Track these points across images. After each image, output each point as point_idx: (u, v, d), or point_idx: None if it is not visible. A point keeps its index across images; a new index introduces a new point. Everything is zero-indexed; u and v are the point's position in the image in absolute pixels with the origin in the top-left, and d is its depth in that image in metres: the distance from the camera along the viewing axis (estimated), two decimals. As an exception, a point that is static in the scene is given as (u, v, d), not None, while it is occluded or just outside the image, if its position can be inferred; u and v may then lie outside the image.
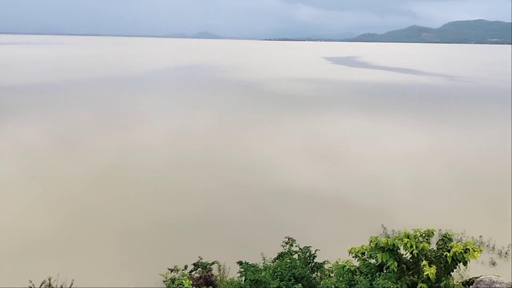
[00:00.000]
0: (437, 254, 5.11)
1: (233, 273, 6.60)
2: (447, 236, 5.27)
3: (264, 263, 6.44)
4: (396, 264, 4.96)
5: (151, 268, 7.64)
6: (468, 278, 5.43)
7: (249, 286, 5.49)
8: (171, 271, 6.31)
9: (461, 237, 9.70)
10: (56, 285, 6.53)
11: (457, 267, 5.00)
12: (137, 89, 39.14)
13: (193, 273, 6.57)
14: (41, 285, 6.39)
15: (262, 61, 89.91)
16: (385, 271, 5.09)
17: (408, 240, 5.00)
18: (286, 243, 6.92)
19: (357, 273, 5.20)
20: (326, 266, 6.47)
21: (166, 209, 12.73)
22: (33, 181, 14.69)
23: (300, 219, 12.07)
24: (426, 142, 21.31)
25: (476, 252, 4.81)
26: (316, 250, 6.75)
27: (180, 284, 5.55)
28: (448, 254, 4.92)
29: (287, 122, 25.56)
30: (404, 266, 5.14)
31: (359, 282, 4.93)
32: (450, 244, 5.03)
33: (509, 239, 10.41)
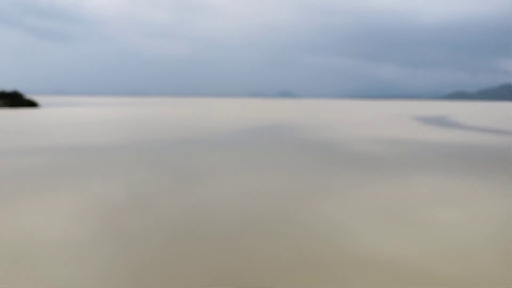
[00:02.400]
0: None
1: None
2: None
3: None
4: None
5: None
6: None
7: None
8: None
9: None
10: None
11: None
12: (214, 149, 38.72)
13: None
14: None
15: (343, 120, 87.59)
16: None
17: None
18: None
19: None
20: None
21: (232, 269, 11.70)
22: (110, 238, 14.40)
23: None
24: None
25: None
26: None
27: None
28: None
29: (367, 185, 23.02)
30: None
31: None
32: None
33: None
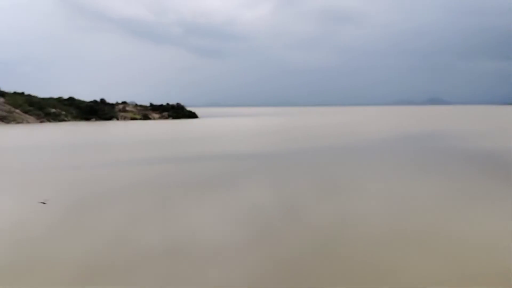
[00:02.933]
0: None
1: None
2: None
3: None
4: None
5: None
6: None
7: None
8: None
9: None
10: None
11: None
12: (362, 158, 37.77)
13: None
14: None
15: (505, 128, 77.69)
16: None
17: None
18: None
19: None
20: None
21: None
22: (258, 242, 15.01)
23: None
24: None
25: None
26: None
27: None
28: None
29: None
30: None
31: None
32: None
33: None
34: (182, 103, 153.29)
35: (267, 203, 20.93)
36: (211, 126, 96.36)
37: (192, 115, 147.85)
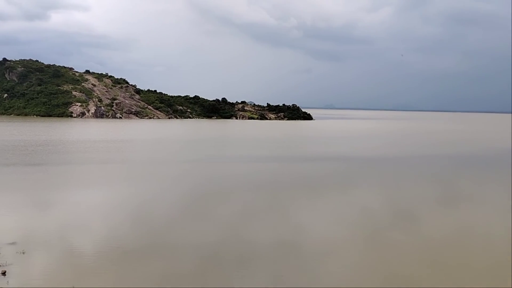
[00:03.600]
0: None
1: None
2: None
3: None
4: None
5: None
6: None
7: None
8: None
9: None
10: None
11: None
12: (479, 167, 34.74)
13: None
14: None
15: None
16: None
17: None
18: None
19: None
20: None
21: None
22: (367, 244, 15.07)
23: None
24: None
25: None
26: None
27: None
28: None
29: None
30: None
31: None
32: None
33: None
34: (298, 104, 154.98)
35: (379, 206, 20.60)
36: (325, 128, 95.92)
37: (307, 117, 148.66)
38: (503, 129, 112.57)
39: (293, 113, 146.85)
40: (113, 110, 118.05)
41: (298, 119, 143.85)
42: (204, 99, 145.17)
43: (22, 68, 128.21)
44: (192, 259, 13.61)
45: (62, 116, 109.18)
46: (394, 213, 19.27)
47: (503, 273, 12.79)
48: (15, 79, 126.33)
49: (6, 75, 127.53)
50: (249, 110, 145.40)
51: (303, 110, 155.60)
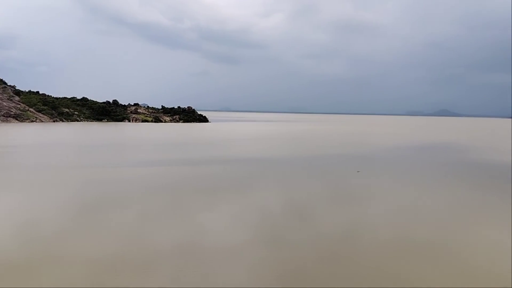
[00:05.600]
0: None
1: None
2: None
3: None
4: None
5: None
6: None
7: None
8: None
9: None
10: None
11: None
12: (370, 166, 37.64)
13: None
14: None
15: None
16: None
17: None
18: None
19: None
20: None
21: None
22: (264, 246, 15.16)
23: None
24: None
25: None
26: None
27: None
28: None
29: None
30: None
31: None
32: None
33: None
34: (194, 107, 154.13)
35: (277, 207, 21.04)
36: (221, 130, 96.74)
37: (203, 119, 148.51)
38: (385, 130, 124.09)
39: (188, 115, 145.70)
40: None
41: (194, 122, 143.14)
42: (93, 101, 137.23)
43: None
44: (85, 271, 12.76)
45: None
46: (291, 212, 19.98)
47: (388, 263, 13.85)
48: None
49: None
50: (142, 113, 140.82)
51: (199, 112, 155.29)
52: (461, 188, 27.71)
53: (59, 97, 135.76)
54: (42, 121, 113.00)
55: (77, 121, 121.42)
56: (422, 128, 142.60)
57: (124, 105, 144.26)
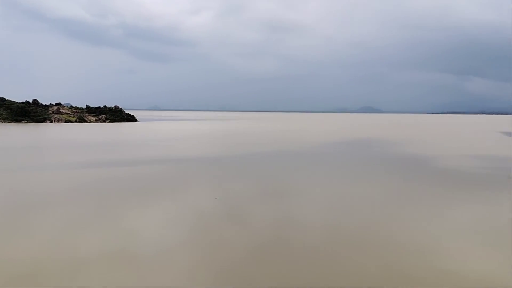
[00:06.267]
0: None
1: None
2: None
3: None
4: None
5: None
6: None
7: None
8: None
9: None
10: None
11: None
12: (300, 162, 39.79)
13: None
14: None
15: (429, 135, 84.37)
16: None
17: None
18: None
19: None
20: None
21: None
22: (196, 247, 15.29)
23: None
24: None
25: None
26: None
27: None
28: None
29: (455, 202, 22.51)
30: None
31: None
32: None
33: None
34: (121, 106, 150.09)
35: (209, 206, 21.40)
36: (150, 130, 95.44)
37: (131, 119, 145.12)
38: (316, 126, 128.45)
39: (115, 115, 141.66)
40: None
41: (121, 121, 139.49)
42: (11, 101, 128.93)
43: None
44: (4, 274, 12.87)
45: None
46: (224, 211, 20.43)
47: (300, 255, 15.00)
48: None
49: None
50: (65, 113, 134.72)
51: (127, 111, 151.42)
52: (387, 180, 30.08)
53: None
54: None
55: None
56: (350, 124, 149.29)
57: (46, 105, 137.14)
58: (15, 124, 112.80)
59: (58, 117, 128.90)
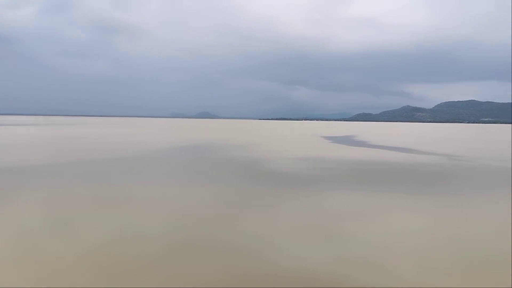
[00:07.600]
0: None
1: None
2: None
3: None
4: None
5: None
6: None
7: None
8: None
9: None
10: None
11: None
12: (136, 169, 38.73)
13: None
14: None
15: (261, 140, 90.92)
16: None
17: None
18: None
19: None
20: None
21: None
22: (25, 263, 14.10)
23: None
24: (424, 221, 19.87)
25: None
26: None
27: None
28: None
29: (285, 202, 24.37)
30: None
31: None
32: None
33: None
34: None
35: (34, 219, 19.59)
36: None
37: None
38: (154, 131, 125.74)
39: None
40: None
41: None
42: None
43: None
44: None
45: None
46: (52, 225, 18.83)
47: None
48: None
49: None
50: None
51: None
52: (224, 183, 31.11)
53: None
54: None
55: None
56: (185, 129, 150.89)
57: None
58: None
59: None
